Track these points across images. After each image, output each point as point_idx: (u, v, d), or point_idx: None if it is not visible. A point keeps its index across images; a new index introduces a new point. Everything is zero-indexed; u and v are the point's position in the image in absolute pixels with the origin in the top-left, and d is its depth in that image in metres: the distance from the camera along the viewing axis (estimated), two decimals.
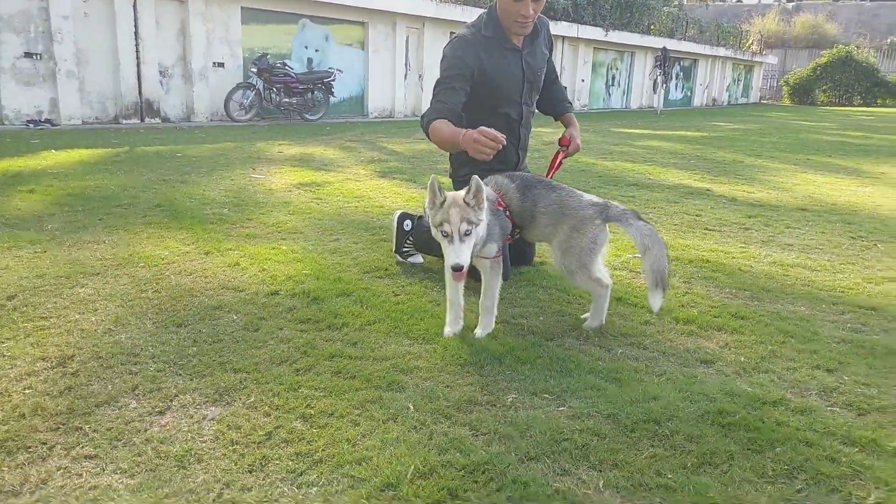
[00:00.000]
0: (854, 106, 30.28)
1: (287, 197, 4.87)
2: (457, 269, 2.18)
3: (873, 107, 29.84)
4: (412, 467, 1.61)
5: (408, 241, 3.27)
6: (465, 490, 1.54)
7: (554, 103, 3.45)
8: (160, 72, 11.09)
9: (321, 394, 1.97)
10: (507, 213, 2.54)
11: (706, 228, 4.37)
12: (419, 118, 2.97)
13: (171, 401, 1.92)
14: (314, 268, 3.14)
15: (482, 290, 2.50)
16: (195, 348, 2.25)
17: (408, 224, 3.26)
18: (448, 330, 2.45)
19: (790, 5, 44.52)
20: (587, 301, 2.86)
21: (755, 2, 46.59)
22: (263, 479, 1.57)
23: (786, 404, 2.00)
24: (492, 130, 2.47)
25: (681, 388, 2.07)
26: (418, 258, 3.31)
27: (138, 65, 10.71)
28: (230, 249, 3.41)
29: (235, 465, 1.63)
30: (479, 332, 2.45)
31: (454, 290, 2.45)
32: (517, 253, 3.27)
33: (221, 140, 8.51)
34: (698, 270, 3.38)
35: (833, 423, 1.90)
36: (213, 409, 1.88)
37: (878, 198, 5.76)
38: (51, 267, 3.05)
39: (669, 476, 1.62)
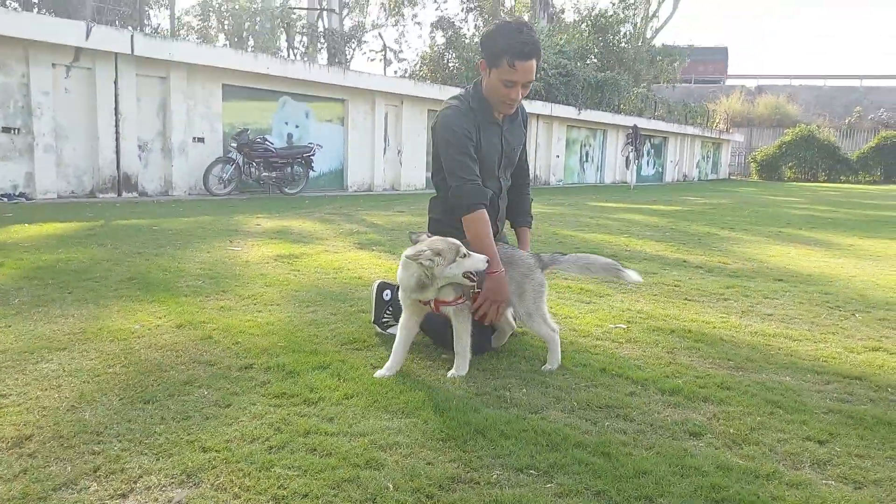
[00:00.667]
0: (819, 182, 31.40)
1: (264, 269, 4.81)
2: (478, 271, 2.62)
3: (837, 182, 30.96)
4: None
5: (387, 312, 3.20)
6: None
7: (516, 211, 3.38)
8: (139, 146, 11.17)
9: (295, 473, 1.86)
10: None
11: (686, 298, 4.37)
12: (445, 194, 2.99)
13: (134, 483, 1.79)
14: (290, 340, 3.06)
15: (454, 338, 2.73)
16: (163, 426, 2.13)
17: (387, 294, 3.19)
18: (381, 372, 2.66)
19: (753, 87, 46.73)
20: (570, 372, 2.81)
21: (719, 84, 48.85)
22: None
23: (779, 478, 1.93)
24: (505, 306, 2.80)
25: (671, 462, 2.00)
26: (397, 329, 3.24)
27: (117, 140, 10.78)
28: (203, 322, 3.32)
29: None
30: (451, 373, 2.67)
31: (403, 339, 2.71)
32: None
33: (199, 213, 8.48)
34: (681, 340, 3.35)
35: (830, 497, 1.83)
36: (179, 491, 1.76)
37: (850, 269, 5.85)
38: (15, 342, 2.92)
39: None
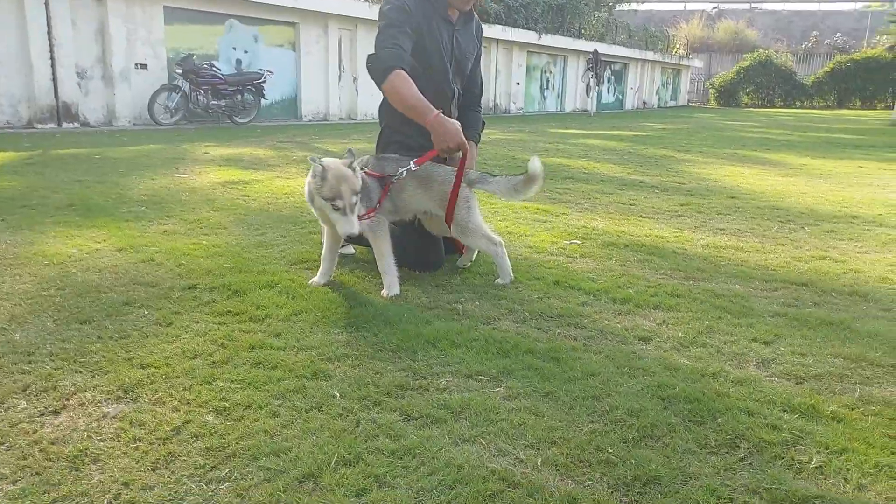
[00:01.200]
0: (775, 107, 31.70)
1: (211, 195, 4.63)
2: (352, 237, 2.48)
3: (792, 108, 31.32)
4: (336, 456, 1.47)
5: None
6: (394, 476, 1.42)
7: (464, 125, 3.19)
8: (77, 74, 10.56)
9: (238, 386, 1.80)
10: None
11: (640, 216, 4.38)
12: (370, 63, 2.73)
13: (67, 399, 1.72)
14: (237, 261, 2.96)
15: (375, 256, 2.70)
16: (99, 345, 2.04)
17: None
18: (314, 280, 2.69)
19: (713, 11, 46.37)
20: (524, 285, 2.79)
21: (681, 7, 48.30)
22: (168, 477, 1.41)
23: (725, 376, 1.96)
24: (460, 136, 2.62)
25: (620, 364, 2.00)
26: (349, 249, 3.17)
27: (53, 67, 10.16)
28: (145, 245, 3.18)
29: (137, 463, 1.45)
30: (383, 293, 2.61)
31: (329, 246, 2.69)
32: (453, 240, 3.16)
33: (144, 143, 8.12)
34: (634, 254, 3.35)
35: (772, 392, 1.86)
36: (115, 406, 1.69)
37: (802, 186, 5.94)
38: None
39: (610, 451, 1.54)
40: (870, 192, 5.70)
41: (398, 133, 2.96)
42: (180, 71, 11.06)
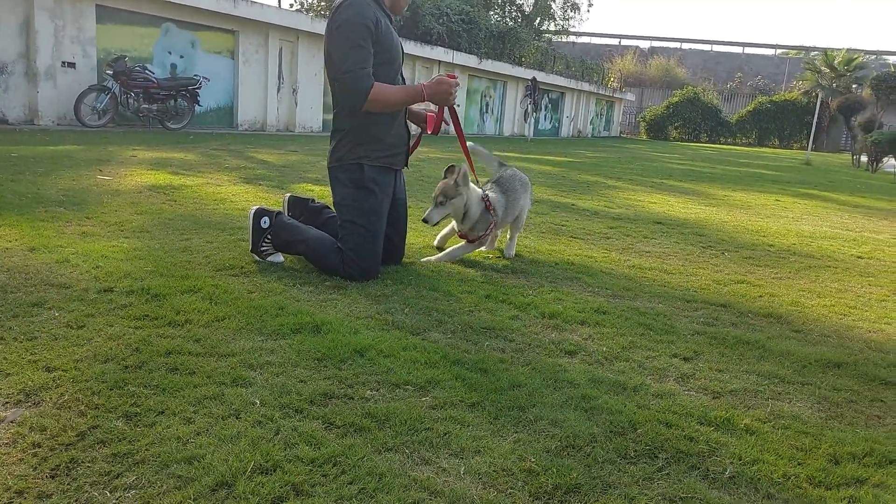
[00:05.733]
0: (701, 142, 33.22)
1: (136, 198, 4.45)
2: (424, 221, 3.26)
3: (717, 143, 32.90)
4: (252, 464, 1.42)
5: (266, 240, 3.03)
6: (313, 484, 1.37)
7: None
8: None
9: (151, 391, 1.72)
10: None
11: (571, 236, 4.47)
12: (355, 86, 2.79)
13: None
14: (158, 265, 2.84)
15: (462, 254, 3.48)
16: (1, 346, 1.91)
17: (265, 221, 3.00)
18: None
19: (646, 48, 48.40)
20: (455, 298, 2.79)
21: (616, 43, 50.19)
22: (68, 485, 1.32)
23: (646, 389, 2.00)
24: (448, 81, 2.91)
25: (545, 376, 2.02)
26: (279, 257, 3.09)
27: None
28: (60, 246, 3.02)
29: (34, 470, 1.36)
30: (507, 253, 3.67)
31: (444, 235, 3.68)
32: (389, 247, 3.15)
33: (68, 143, 7.76)
34: (564, 272, 3.41)
35: (690, 405, 1.91)
36: (14, 410, 1.58)
37: (723, 215, 6.22)
38: None
39: (532, 460, 1.54)
40: (785, 223, 6.01)
41: (369, 134, 2.93)
42: (111, 72, 10.65)
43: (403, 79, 3.14)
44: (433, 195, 3.24)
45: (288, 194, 3.54)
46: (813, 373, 2.25)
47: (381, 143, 2.95)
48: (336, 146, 2.99)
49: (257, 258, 3.08)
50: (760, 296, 3.26)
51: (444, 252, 3.46)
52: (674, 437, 1.71)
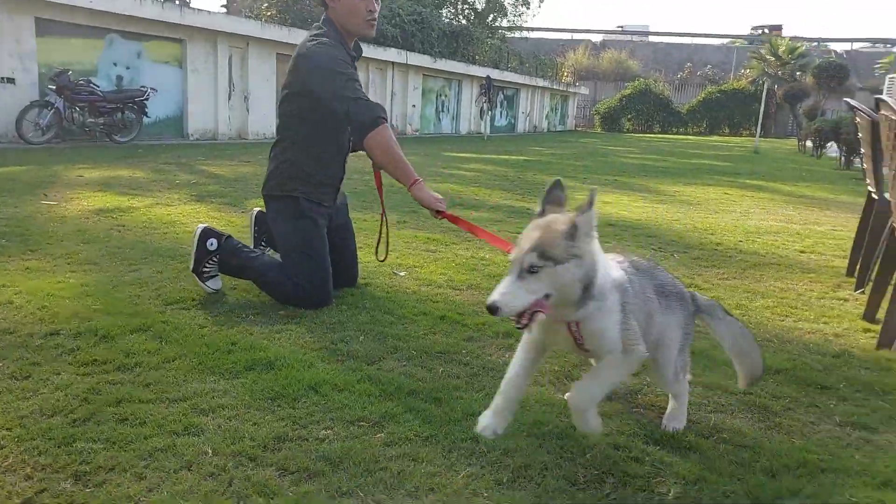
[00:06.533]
0: (654, 133, 33.84)
1: (82, 225, 4.36)
2: (490, 309, 1.50)
3: (669, 134, 33.54)
4: None
5: (210, 262, 2.97)
6: None
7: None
8: None
9: (101, 446, 1.70)
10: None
11: None
12: (363, 114, 2.74)
13: None
14: (106, 302, 2.79)
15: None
16: None
17: (212, 243, 2.96)
18: (483, 423, 1.81)
19: (597, 41, 49.04)
20: (410, 320, 2.80)
21: (568, 37, 50.75)
22: None
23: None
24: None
25: None
26: (217, 282, 3.02)
27: None
28: (3, 286, 2.95)
29: None
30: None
31: (509, 373, 1.83)
32: (341, 271, 3.15)
33: (10, 163, 7.53)
34: None
35: (637, 424, 1.98)
36: None
37: (673, 213, 6.37)
38: None
39: (485, 494, 1.58)
40: (732, 219, 6.20)
41: (303, 170, 2.93)
42: (54, 87, 10.36)
43: None
44: (515, 253, 1.56)
45: (256, 210, 3.47)
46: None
47: (312, 180, 2.95)
48: (271, 172, 3.01)
49: (197, 280, 2.99)
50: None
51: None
52: (621, 460, 1.76)
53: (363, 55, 3.18)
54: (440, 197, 2.73)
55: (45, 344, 2.34)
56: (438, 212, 2.69)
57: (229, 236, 3.04)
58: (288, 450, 1.75)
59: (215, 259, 2.97)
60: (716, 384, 2.30)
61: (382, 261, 3.34)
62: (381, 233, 3.21)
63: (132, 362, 2.22)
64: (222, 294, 3.03)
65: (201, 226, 3.02)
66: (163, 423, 1.83)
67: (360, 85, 2.86)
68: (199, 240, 2.95)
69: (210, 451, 1.71)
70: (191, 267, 2.99)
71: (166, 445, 1.72)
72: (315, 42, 2.85)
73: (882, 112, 3.08)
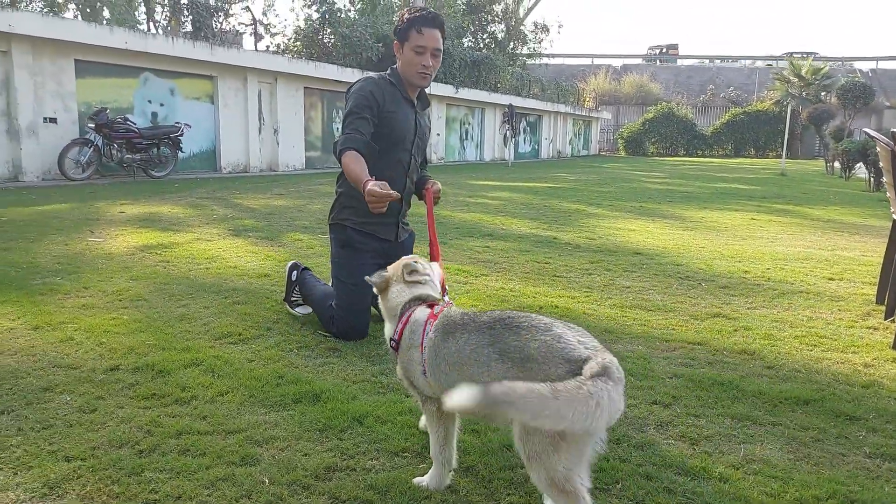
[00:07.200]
0: (679, 156, 33.75)
1: (129, 261, 4.57)
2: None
3: (694, 157, 33.42)
4: None
5: (295, 291, 3.41)
6: None
7: (421, 184, 3.31)
8: None
9: (167, 476, 1.84)
10: None
11: (554, 275, 4.64)
12: (333, 146, 3.06)
13: None
14: (159, 338, 2.96)
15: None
16: (20, 437, 2.02)
17: (294, 274, 3.41)
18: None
19: (619, 66, 49.27)
20: None
21: (588, 62, 51.05)
22: None
23: (628, 441, 2.14)
24: (385, 189, 2.54)
25: None
26: (306, 309, 3.38)
27: None
28: (63, 322, 3.13)
29: None
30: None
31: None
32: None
33: (54, 201, 7.86)
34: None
35: (669, 455, 2.06)
36: None
37: (699, 241, 6.42)
38: None
39: None
40: (760, 245, 6.23)
41: (354, 199, 3.12)
42: (93, 125, 10.79)
43: (417, 158, 3.28)
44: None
45: (290, 262, 3.65)
46: (783, 412, 2.41)
47: (364, 210, 3.06)
48: (332, 205, 3.28)
49: (288, 308, 3.43)
50: (735, 330, 3.42)
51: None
52: (654, 490, 1.85)
53: None
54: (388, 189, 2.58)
55: (107, 379, 2.50)
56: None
57: (305, 268, 3.47)
58: (338, 479, 1.86)
59: (298, 288, 3.40)
60: (745, 415, 2.36)
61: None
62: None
63: (188, 396, 2.36)
64: (266, 328, 3.18)
65: (290, 262, 3.51)
66: (221, 454, 1.96)
67: (367, 118, 2.99)
68: (288, 272, 3.45)
69: (267, 480, 1.83)
70: (284, 296, 3.48)
71: (226, 475, 1.85)
72: (360, 79, 3.17)
73: None
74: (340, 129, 3.09)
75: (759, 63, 51.06)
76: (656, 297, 4.09)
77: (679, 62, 52.85)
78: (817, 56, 36.00)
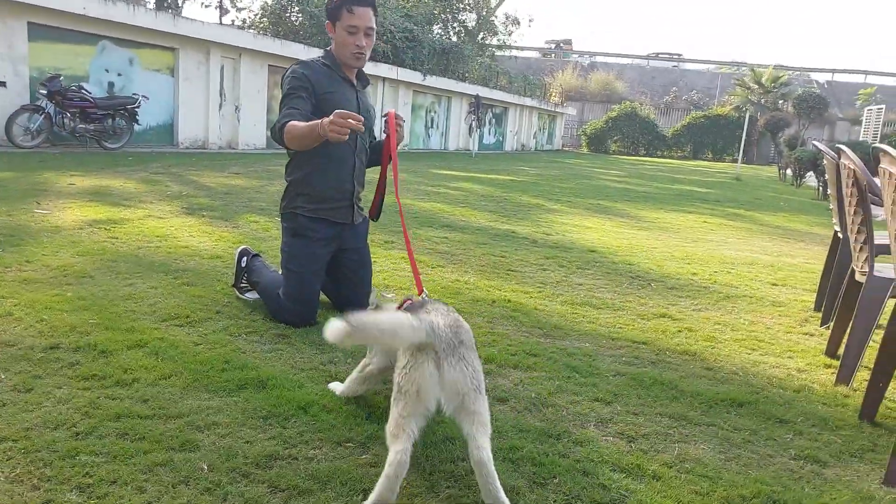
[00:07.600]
0: (639, 156, 34.31)
1: (76, 236, 4.44)
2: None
3: (654, 157, 34.02)
4: None
5: (244, 277, 3.37)
6: None
7: (378, 158, 3.24)
8: None
9: (103, 459, 1.81)
10: None
11: (509, 269, 4.68)
12: (272, 130, 2.97)
13: None
14: (103, 317, 2.89)
15: None
16: None
17: (244, 260, 3.37)
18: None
19: (586, 63, 49.68)
20: None
21: (556, 59, 51.31)
22: None
23: (568, 436, 2.19)
24: (348, 112, 2.47)
25: None
26: (254, 294, 3.34)
27: None
28: (2, 297, 3.04)
29: None
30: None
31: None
32: (339, 303, 3.25)
33: (1, 169, 7.57)
34: (501, 310, 3.60)
35: (606, 451, 2.11)
36: None
37: (653, 241, 6.56)
38: None
39: None
40: (710, 248, 6.40)
41: (306, 185, 3.09)
42: (45, 91, 10.41)
43: (365, 137, 3.21)
44: None
45: (240, 247, 3.60)
46: (718, 412, 2.49)
47: (317, 196, 3.09)
48: (283, 195, 3.21)
49: (237, 293, 3.40)
50: (679, 330, 3.52)
51: None
52: (589, 486, 1.90)
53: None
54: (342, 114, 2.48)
55: (46, 357, 2.43)
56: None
57: (256, 255, 3.42)
58: (279, 468, 1.86)
59: (246, 276, 3.36)
60: (682, 415, 2.44)
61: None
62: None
63: (130, 378, 2.32)
64: (216, 311, 3.14)
65: (240, 247, 3.50)
66: (161, 439, 1.94)
67: (304, 97, 2.94)
68: (237, 257, 3.42)
69: (206, 466, 1.82)
70: (231, 282, 3.47)
71: (165, 460, 1.83)
72: (295, 62, 3.14)
73: (882, 166, 2.45)
74: (281, 102, 3.01)
75: (724, 68, 52.10)
76: (606, 295, 4.17)
77: (646, 62, 53.55)
78: (777, 65, 36.96)
